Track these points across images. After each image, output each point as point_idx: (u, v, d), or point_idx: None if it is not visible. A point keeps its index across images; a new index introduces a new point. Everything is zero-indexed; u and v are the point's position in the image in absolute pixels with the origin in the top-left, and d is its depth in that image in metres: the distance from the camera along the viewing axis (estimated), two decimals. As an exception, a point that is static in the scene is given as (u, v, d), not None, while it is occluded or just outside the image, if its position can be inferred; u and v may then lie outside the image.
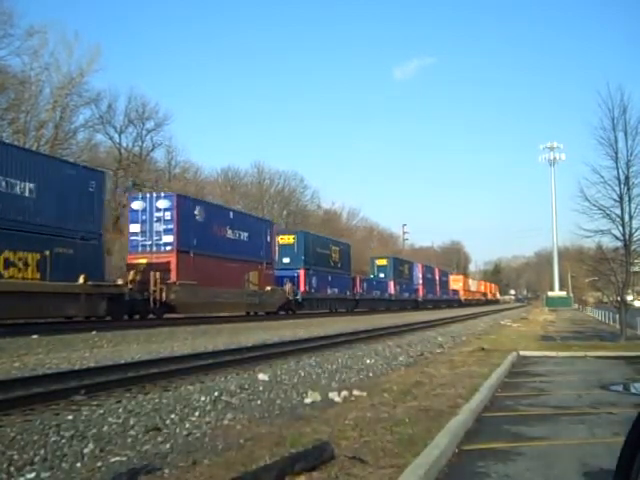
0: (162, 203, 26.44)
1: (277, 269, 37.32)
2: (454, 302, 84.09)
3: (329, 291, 43.83)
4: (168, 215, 26.22)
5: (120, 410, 6.81)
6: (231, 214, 31.98)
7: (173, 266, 25.57)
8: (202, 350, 13.61)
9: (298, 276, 39.06)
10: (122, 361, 11.30)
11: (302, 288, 38.98)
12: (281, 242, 39.92)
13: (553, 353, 14.04)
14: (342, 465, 4.39)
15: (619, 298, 19.37)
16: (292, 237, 40.74)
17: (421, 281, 69.19)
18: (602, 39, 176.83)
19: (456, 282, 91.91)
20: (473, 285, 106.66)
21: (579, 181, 18.73)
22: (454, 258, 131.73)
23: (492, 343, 16.59)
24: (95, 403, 7.35)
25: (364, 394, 7.89)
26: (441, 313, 48.10)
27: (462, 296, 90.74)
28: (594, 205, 18.09)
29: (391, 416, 6.24)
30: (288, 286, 36.57)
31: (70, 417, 6.42)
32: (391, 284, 58.46)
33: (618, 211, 17.81)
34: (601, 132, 18.10)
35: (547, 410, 7.22)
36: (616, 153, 17.84)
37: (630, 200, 17.77)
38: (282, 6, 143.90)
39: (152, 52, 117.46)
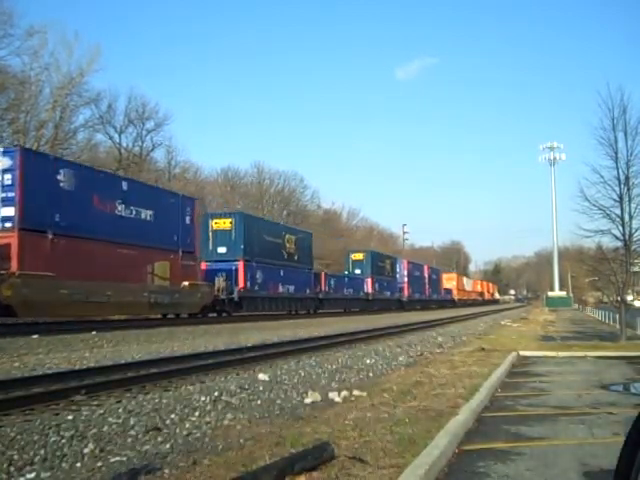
0: (0, 162, 18.65)
1: (211, 261, 31.12)
2: (447, 302, 78.96)
3: (281, 288, 35.92)
4: (9, 178, 18.44)
5: (120, 410, 6.81)
6: (124, 184, 23.59)
7: (14, 250, 18.14)
8: (202, 350, 13.62)
9: (236, 269, 31.00)
10: (122, 361, 11.30)
11: (241, 284, 30.94)
12: (215, 227, 32.07)
13: (553, 353, 14.04)
14: (342, 465, 4.39)
15: (619, 298, 19.37)
16: (229, 221, 32.33)
17: (406, 279, 62.49)
18: (602, 39, 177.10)
19: (449, 281, 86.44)
20: (468, 284, 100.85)
21: (579, 181, 18.78)
22: (454, 258, 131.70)
23: (492, 343, 16.59)
24: (95, 403, 7.35)
25: (364, 394, 7.89)
26: (436, 314, 47.83)
27: (456, 296, 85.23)
28: (594, 205, 18.14)
29: (391, 416, 6.24)
30: (218, 281, 29.40)
31: (70, 417, 6.42)
32: (368, 282, 51.53)
33: (618, 211, 17.85)
34: (601, 132, 18.15)
35: (547, 410, 7.22)
36: (616, 153, 17.89)
37: (630, 200, 17.81)
38: (282, 6, 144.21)
39: (152, 52, 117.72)
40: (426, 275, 71.89)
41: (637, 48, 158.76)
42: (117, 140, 49.99)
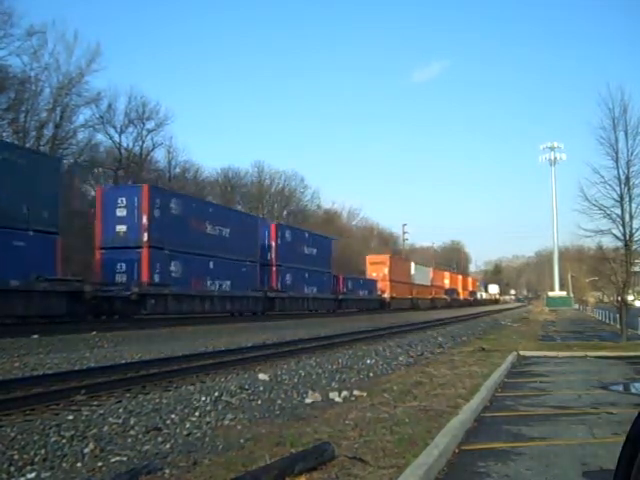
0: None
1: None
2: (365, 303, 49.37)
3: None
4: None
5: (120, 410, 6.81)
6: None
7: None
8: (202, 350, 13.62)
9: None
10: (122, 361, 11.31)
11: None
12: None
13: (553, 353, 14.03)
14: (342, 465, 4.39)
15: (619, 298, 19.36)
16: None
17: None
18: (602, 39, 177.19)
19: (376, 267, 54.10)
20: (422, 275, 65.78)
21: (579, 181, 18.76)
22: (454, 258, 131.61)
23: (492, 343, 16.58)
24: (95, 403, 7.36)
25: (364, 394, 7.89)
26: (436, 314, 47.59)
27: (387, 293, 53.67)
28: (594, 205, 18.11)
29: (391, 416, 6.23)
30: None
31: (70, 417, 6.42)
32: None
33: (618, 211, 17.82)
34: (601, 132, 18.14)
35: (547, 410, 7.22)
36: (616, 153, 17.86)
37: (630, 200, 17.79)
38: (283, 6, 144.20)
39: (152, 52, 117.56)
40: (275, 242, 34.81)
41: (637, 48, 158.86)
42: (117, 140, 49.83)
